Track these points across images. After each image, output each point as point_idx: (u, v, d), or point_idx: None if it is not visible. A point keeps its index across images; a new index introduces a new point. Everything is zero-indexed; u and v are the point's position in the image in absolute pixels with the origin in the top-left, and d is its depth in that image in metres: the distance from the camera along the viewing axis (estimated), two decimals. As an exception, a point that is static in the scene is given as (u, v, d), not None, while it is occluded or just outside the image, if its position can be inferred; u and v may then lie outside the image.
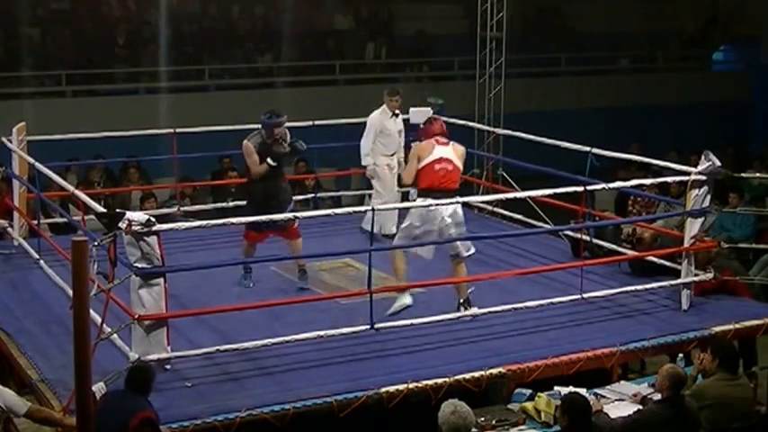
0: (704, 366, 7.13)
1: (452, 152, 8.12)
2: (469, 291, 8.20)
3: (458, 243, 8.11)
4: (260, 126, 8.81)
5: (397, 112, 10.52)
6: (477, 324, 7.89)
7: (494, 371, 7.24)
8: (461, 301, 8.12)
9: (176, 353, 7.05)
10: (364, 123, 10.60)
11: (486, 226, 10.76)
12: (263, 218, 8.02)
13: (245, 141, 8.77)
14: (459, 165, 8.16)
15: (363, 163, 10.46)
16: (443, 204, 7.92)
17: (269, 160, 8.68)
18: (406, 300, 8.02)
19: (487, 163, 13.16)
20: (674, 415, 6.47)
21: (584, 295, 8.29)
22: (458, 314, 7.95)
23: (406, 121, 10.82)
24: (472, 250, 8.28)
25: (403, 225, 8.24)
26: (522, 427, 6.79)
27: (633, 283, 8.78)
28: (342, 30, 18.39)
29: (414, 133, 11.63)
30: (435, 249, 8.44)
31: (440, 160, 8.02)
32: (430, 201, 7.94)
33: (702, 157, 8.48)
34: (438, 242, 8.11)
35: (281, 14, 17.24)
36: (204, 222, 7.56)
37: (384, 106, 10.50)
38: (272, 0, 17.61)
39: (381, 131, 10.39)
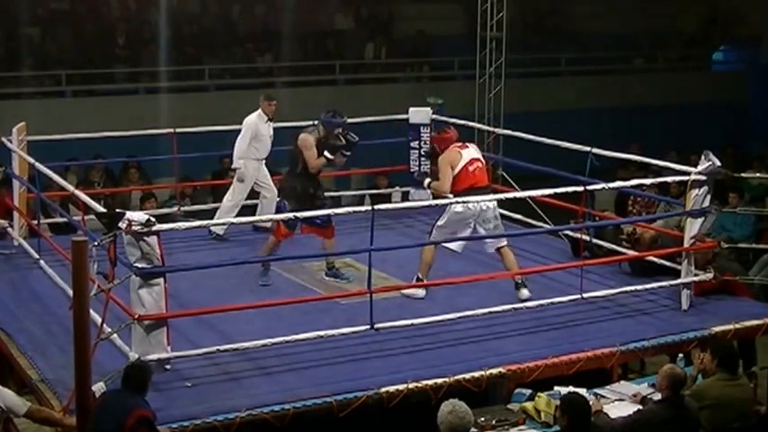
0: (704, 366, 7.13)
1: (476, 152, 8.81)
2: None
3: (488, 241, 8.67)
4: (318, 122, 9.05)
5: (271, 117, 10.54)
6: (477, 324, 7.89)
7: (494, 371, 7.24)
8: (518, 282, 8.56)
9: (176, 353, 7.04)
10: (365, 123, 10.58)
11: (486, 226, 10.74)
12: (264, 218, 8.05)
13: (303, 135, 8.95)
14: (484, 161, 8.87)
15: (234, 165, 10.48)
16: (479, 201, 8.45)
17: (326, 153, 8.91)
18: (420, 293, 8.49)
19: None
20: (674, 415, 6.47)
21: (584, 295, 8.29)
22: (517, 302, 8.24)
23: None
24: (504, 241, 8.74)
25: (439, 224, 8.63)
26: (522, 427, 6.79)
27: (633, 283, 8.77)
28: (342, 30, 18.40)
29: (413, 133, 11.69)
30: (437, 249, 8.66)
31: (471, 162, 8.65)
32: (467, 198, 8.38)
33: (702, 157, 8.48)
34: (468, 238, 8.59)
35: (281, 14, 17.24)
36: (204, 222, 7.60)
37: (260, 110, 10.48)
38: (272, 0, 17.62)
39: (256, 136, 10.40)
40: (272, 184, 10.49)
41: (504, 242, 8.71)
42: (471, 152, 8.74)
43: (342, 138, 8.97)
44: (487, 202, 8.52)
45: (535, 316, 8.14)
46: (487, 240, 8.70)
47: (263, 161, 10.53)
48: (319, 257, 9.18)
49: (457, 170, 8.60)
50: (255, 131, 10.39)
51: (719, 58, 22.17)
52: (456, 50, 17.30)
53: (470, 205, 8.40)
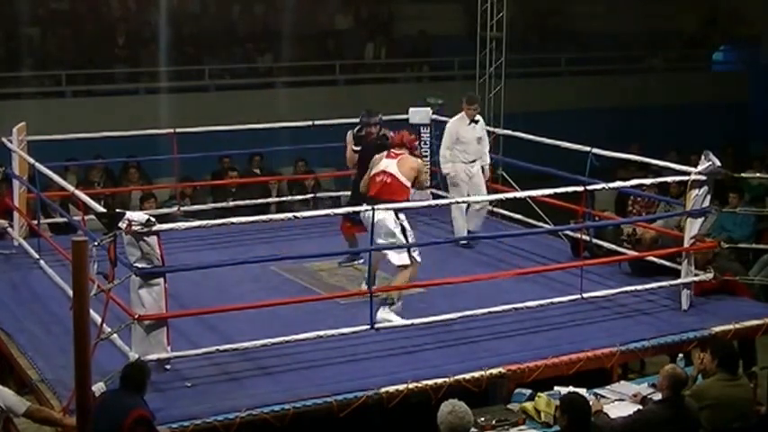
0: (704, 366, 7.13)
1: (394, 166, 8.31)
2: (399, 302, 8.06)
3: (387, 252, 8.06)
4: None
5: (477, 118, 10.48)
6: (477, 324, 7.89)
7: (494, 371, 7.24)
8: (387, 300, 7.94)
9: (176, 353, 7.04)
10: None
11: (486, 226, 10.75)
12: (263, 217, 8.02)
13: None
14: (402, 179, 8.27)
15: (443, 171, 10.52)
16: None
17: (354, 146, 9.58)
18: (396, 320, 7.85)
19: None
20: (674, 415, 6.47)
21: (584, 295, 8.29)
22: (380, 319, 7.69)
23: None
24: (404, 260, 8.04)
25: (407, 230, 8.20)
26: (522, 427, 6.79)
27: (633, 283, 8.77)
28: (342, 30, 18.39)
29: (413, 134, 11.68)
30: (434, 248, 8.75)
31: (380, 173, 8.35)
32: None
33: (702, 157, 8.48)
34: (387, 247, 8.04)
35: (281, 14, 17.23)
36: (204, 222, 7.57)
37: (462, 113, 10.47)
38: (272, 0, 17.61)
39: (458, 139, 10.36)
40: (483, 188, 10.44)
41: (403, 261, 8.03)
42: (388, 164, 8.33)
43: (376, 135, 9.47)
44: (385, 216, 7.92)
45: (535, 316, 8.14)
46: (388, 254, 8.07)
47: (473, 163, 10.40)
48: (319, 257, 9.18)
49: (370, 174, 8.46)
50: (456, 134, 10.35)
51: (719, 58, 22.16)
52: (456, 50, 17.29)
53: (367, 214, 7.90)
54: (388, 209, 7.92)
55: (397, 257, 8.02)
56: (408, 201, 8.46)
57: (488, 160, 10.59)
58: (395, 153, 8.42)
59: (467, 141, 10.36)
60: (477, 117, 10.52)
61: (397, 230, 8.00)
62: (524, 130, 10.86)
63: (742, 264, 10.12)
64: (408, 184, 8.34)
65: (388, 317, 7.80)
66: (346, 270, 9.33)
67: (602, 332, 8.02)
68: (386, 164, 8.38)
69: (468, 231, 10.24)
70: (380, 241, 7.99)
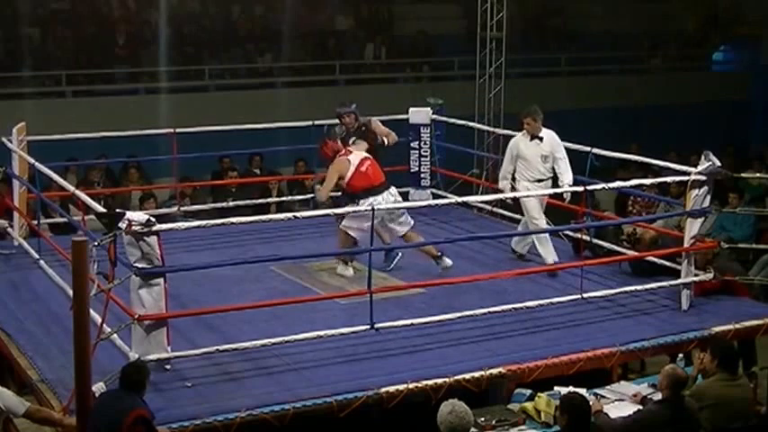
0: (704, 366, 7.13)
1: (362, 152, 9.24)
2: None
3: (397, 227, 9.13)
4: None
5: (541, 135, 9.57)
6: (477, 324, 7.89)
7: (494, 371, 7.24)
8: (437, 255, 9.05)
9: (176, 353, 7.05)
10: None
11: (486, 226, 10.76)
12: (262, 217, 8.02)
13: None
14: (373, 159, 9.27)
15: (500, 185, 9.87)
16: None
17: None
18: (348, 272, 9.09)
19: (487, 163, 13.16)
20: (674, 415, 6.47)
21: (584, 295, 8.30)
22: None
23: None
24: (410, 222, 9.17)
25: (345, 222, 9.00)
26: (521, 427, 6.79)
27: (633, 283, 8.78)
28: (342, 30, 18.39)
29: (412, 133, 11.70)
30: (437, 249, 9.13)
31: (362, 162, 9.12)
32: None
33: (702, 157, 8.48)
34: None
35: (280, 14, 17.22)
36: (204, 222, 7.57)
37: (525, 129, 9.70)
38: (272, 0, 17.61)
39: (518, 155, 9.61)
40: (533, 211, 9.45)
41: (407, 227, 9.12)
42: (358, 154, 9.17)
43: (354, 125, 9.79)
44: (390, 200, 9.06)
45: (535, 316, 8.14)
46: (395, 228, 9.14)
47: (539, 183, 9.51)
48: (319, 257, 9.18)
49: (349, 175, 9.05)
50: (516, 151, 9.61)
51: (719, 58, 22.13)
52: (456, 50, 17.29)
53: (376, 204, 8.46)
54: (389, 209, 8.04)
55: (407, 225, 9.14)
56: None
57: (567, 180, 9.41)
58: (348, 150, 9.24)
59: (528, 159, 9.54)
60: (543, 134, 9.56)
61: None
62: (524, 129, 10.83)
63: (742, 264, 10.12)
64: None
65: (345, 272, 8.95)
66: (346, 270, 9.31)
67: (602, 332, 8.02)
68: (357, 155, 9.13)
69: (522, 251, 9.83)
70: (400, 221, 9.09)
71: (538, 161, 9.51)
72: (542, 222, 9.49)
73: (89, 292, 6.31)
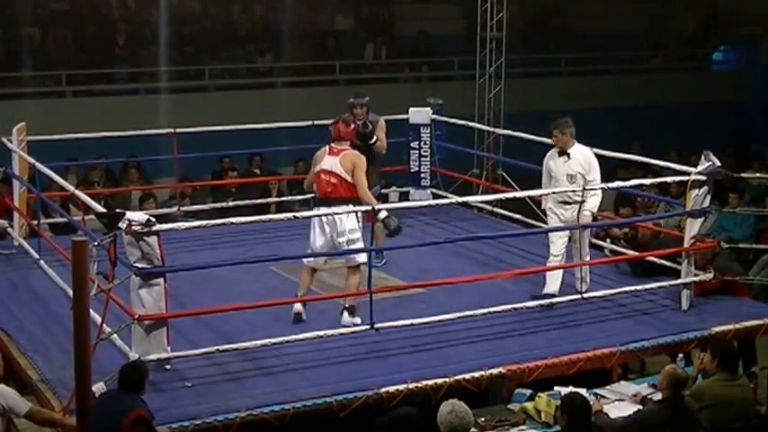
0: (704, 366, 7.13)
1: (337, 164, 8.07)
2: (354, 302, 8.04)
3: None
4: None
5: (569, 152, 8.52)
6: (477, 324, 7.89)
7: (494, 371, 7.24)
8: (346, 306, 7.96)
9: (176, 353, 7.05)
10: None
11: (486, 226, 10.76)
12: (262, 217, 8.02)
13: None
14: (348, 178, 8.02)
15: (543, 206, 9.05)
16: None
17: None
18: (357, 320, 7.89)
19: (487, 163, 13.16)
20: (674, 415, 6.47)
21: (585, 295, 8.30)
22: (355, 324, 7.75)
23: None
24: (361, 259, 8.01)
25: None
26: (522, 427, 6.79)
27: (633, 283, 8.78)
28: (342, 30, 18.39)
29: (412, 133, 11.70)
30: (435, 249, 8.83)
31: (323, 171, 8.10)
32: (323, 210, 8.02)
33: (702, 157, 8.48)
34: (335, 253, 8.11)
35: (281, 14, 17.22)
36: (204, 222, 7.57)
37: None
38: (272, 0, 17.61)
39: (548, 173, 8.70)
40: (556, 240, 8.55)
41: (358, 261, 8.04)
42: (331, 162, 8.07)
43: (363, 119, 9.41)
44: (342, 217, 7.92)
45: (535, 316, 8.14)
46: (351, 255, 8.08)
47: (566, 206, 8.52)
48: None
49: (314, 170, 8.24)
50: (547, 168, 8.68)
51: (719, 58, 22.13)
52: (456, 50, 17.29)
53: (323, 215, 7.93)
54: (389, 209, 7.97)
55: (361, 256, 7.99)
56: (356, 198, 8.05)
57: (589, 206, 8.41)
58: (336, 149, 8.19)
59: (555, 177, 8.58)
60: (574, 150, 8.52)
61: (358, 230, 8.06)
62: (524, 130, 10.85)
63: (742, 264, 10.12)
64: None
65: (354, 320, 7.84)
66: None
67: (602, 332, 8.02)
68: (329, 163, 8.11)
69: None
70: (341, 240, 7.98)
71: (563, 181, 8.51)
72: (558, 260, 8.57)
73: (89, 292, 6.32)
